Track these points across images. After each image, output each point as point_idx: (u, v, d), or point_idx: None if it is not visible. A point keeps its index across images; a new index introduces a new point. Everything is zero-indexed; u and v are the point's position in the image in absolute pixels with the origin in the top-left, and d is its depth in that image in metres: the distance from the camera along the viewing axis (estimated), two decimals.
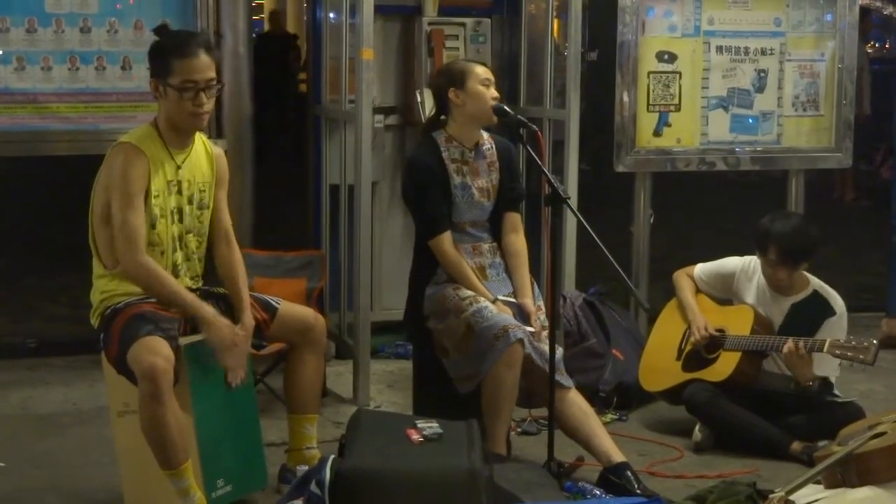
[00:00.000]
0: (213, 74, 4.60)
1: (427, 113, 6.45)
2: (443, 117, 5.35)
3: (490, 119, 5.26)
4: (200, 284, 4.81)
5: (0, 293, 8.57)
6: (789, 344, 5.38)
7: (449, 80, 5.27)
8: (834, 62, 7.25)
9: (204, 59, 4.57)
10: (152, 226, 4.55)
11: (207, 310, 4.56)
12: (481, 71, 5.26)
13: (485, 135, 5.42)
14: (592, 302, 6.42)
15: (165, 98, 4.58)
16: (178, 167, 4.64)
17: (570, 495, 4.82)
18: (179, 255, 4.68)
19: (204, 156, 4.76)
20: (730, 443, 5.56)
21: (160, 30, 4.72)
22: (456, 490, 4.13)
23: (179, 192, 4.64)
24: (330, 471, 4.15)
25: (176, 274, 4.64)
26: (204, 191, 4.74)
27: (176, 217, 4.64)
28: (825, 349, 5.33)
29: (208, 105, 4.59)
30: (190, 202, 4.69)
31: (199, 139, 4.77)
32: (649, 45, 6.98)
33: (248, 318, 4.68)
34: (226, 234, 4.85)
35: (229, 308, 4.75)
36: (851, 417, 5.25)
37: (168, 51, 4.57)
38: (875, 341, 5.29)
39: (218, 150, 4.88)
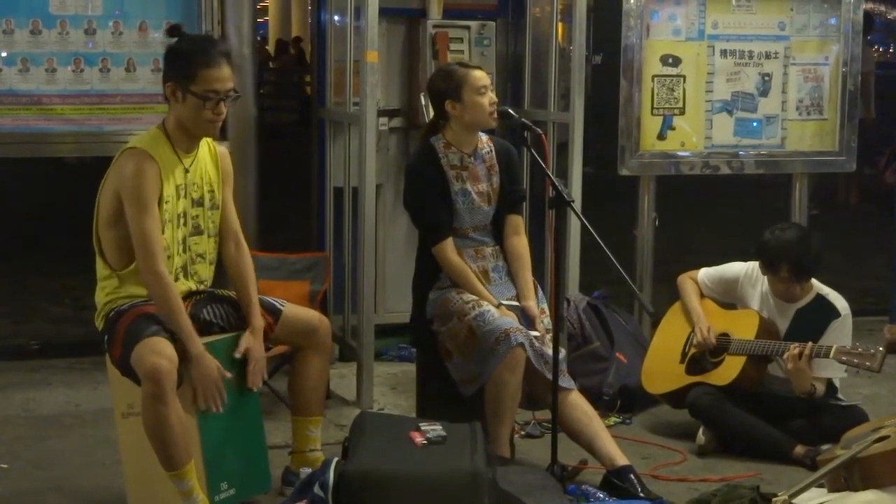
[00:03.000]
0: (232, 84, 4.59)
1: (431, 116, 6.45)
2: (441, 121, 5.36)
3: (489, 124, 5.28)
4: (205, 287, 4.80)
5: (3, 294, 8.58)
6: (794, 350, 5.37)
7: (444, 91, 5.26)
8: (838, 66, 7.25)
9: (226, 69, 4.55)
10: (161, 231, 4.54)
11: (198, 345, 4.50)
12: (476, 78, 5.23)
13: (483, 138, 5.42)
14: (596, 305, 6.41)
15: (182, 103, 4.54)
16: (187, 171, 4.63)
17: (574, 498, 4.81)
18: (182, 259, 4.67)
19: (209, 156, 4.76)
20: (733, 446, 5.55)
21: (175, 30, 4.70)
22: (459, 493, 4.14)
23: (186, 195, 4.63)
24: (333, 473, 4.16)
25: (176, 277, 4.63)
26: (213, 191, 4.74)
27: (181, 221, 4.64)
28: (832, 355, 5.33)
29: (224, 114, 4.59)
30: (199, 204, 4.68)
31: (204, 139, 4.76)
32: (654, 49, 6.98)
33: (258, 319, 4.68)
34: (234, 234, 4.84)
35: (234, 310, 4.76)
36: (855, 421, 5.24)
37: (192, 57, 4.53)
38: (882, 348, 5.28)
39: (222, 149, 4.86)
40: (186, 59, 4.55)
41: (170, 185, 4.55)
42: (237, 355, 4.63)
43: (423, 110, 6.79)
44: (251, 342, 4.64)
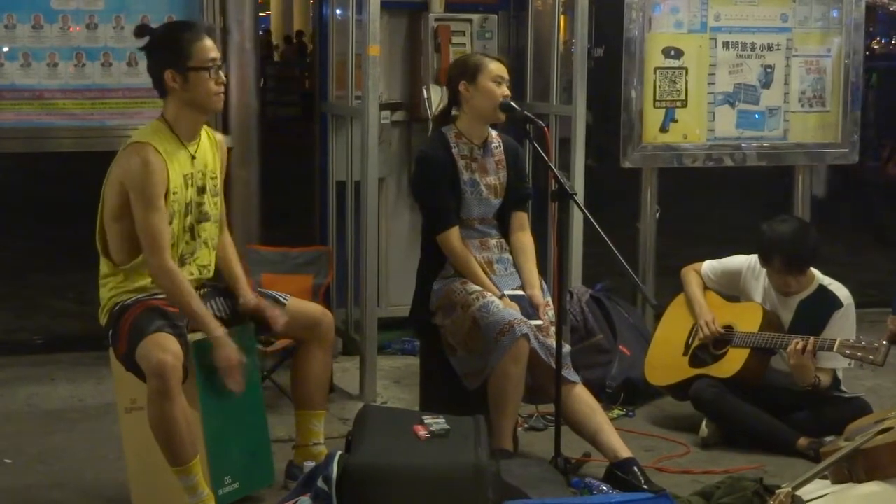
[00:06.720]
0: (219, 54, 4.67)
1: (434, 109, 6.46)
2: (454, 112, 5.37)
3: (497, 117, 5.27)
4: (210, 276, 4.79)
5: (6, 289, 8.58)
6: (797, 343, 5.36)
7: (461, 73, 5.29)
8: (840, 58, 7.24)
9: (210, 40, 4.64)
10: (168, 222, 4.54)
11: (218, 329, 4.54)
12: (495, 67, 5.26)
13: (493, 133, 5.43)
14: (599, 298, 6.40)
15: (185, 85, 4.56)
16: (193, 157, 4.64)
17: (577, 491, 4.81)
18: (189, 246, 4.67)
19: (208, 143, 4.76)
20: (736, 439, 5.55)
21: (145, 28, 4.70)
22: (462, 486, 4.14)
23: (193, 184, 4.64)
24: (337, 467, 4.15)
25: (182, 263, 4.62)
26: (215, 178, 4.75)
27: (189, 209, 4.63)
28: (835, 349, 5.32)
29: (224, 83, 4.66)
30: (203, 191, 4.69)
31: (204, 128, 4.77)
32: (656, 41, 6.98)
33: (247, 292, 4.74)
34: (221, 218, 4.86)
35: (234, 302, 4.77)
36: (858, 413, 5.23)
37: (180, 37, 4.58)
38: (885, 342, 5.27)
39: (220, 136, 4.89)
40: (175, 42, 4.59)
41: (177, 176, 4.55)
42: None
43: (425, 103, 6.79)
44: (265, 306, 4.73)
